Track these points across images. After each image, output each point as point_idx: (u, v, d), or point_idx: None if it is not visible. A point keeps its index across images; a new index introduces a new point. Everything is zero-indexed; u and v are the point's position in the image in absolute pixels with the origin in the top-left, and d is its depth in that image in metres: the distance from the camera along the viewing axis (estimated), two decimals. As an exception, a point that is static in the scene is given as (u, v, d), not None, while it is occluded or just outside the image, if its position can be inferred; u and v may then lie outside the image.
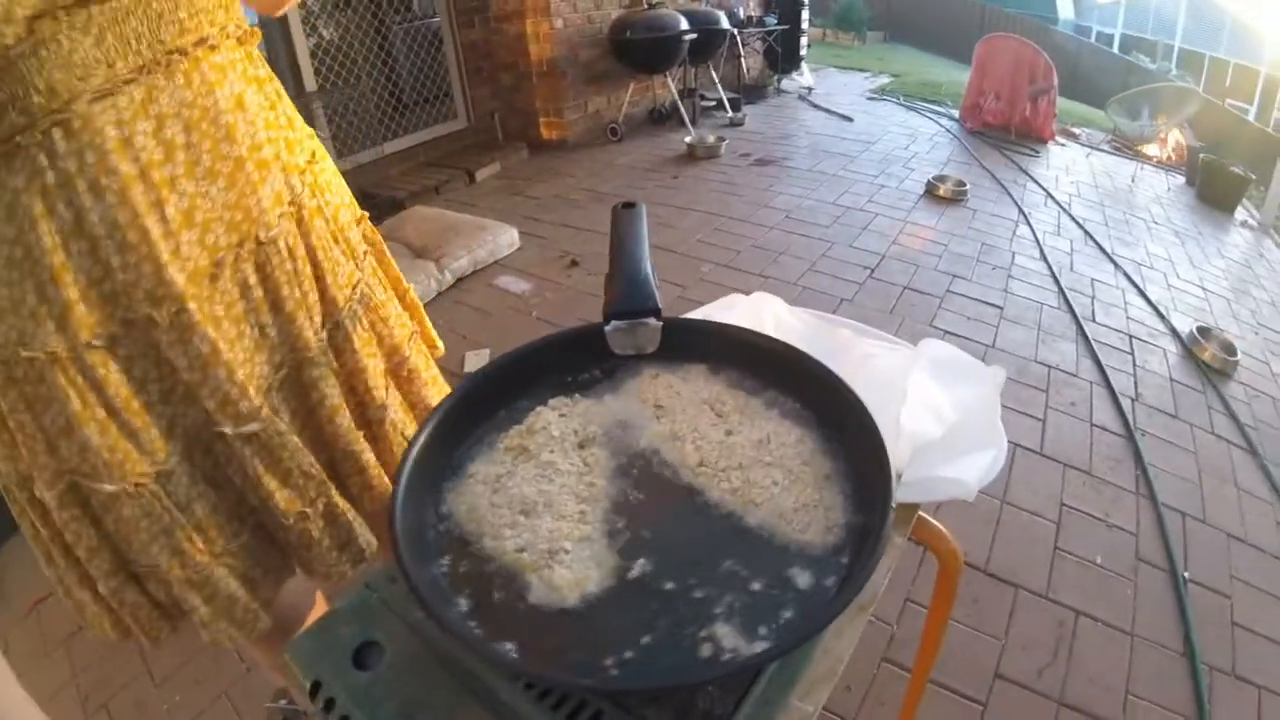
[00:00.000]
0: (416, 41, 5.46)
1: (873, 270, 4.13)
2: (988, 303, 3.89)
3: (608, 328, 0.84)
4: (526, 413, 0.87)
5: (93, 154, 0.69)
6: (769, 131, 6.67)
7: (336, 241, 0.95)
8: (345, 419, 0.95)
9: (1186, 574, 2.34)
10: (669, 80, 6.34)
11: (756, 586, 0.68)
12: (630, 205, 0.92)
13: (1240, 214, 5.90)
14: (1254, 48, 11.09)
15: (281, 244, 0.85)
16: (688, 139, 5.95)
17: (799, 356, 0.89)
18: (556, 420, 0.85)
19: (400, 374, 1.07)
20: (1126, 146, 7.01)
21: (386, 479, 1.02)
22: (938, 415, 1.08)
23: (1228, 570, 2.42)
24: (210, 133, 0.78)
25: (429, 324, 1.20)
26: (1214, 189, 5.93)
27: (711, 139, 5.93)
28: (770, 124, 6.92)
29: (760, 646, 0.62)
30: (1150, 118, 6.95)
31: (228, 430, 0.82)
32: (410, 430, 1.06)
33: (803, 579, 0.68)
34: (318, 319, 0.91)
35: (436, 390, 1.14)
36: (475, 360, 3.21)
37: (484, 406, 0.86)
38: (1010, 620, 2.09)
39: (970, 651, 1.97)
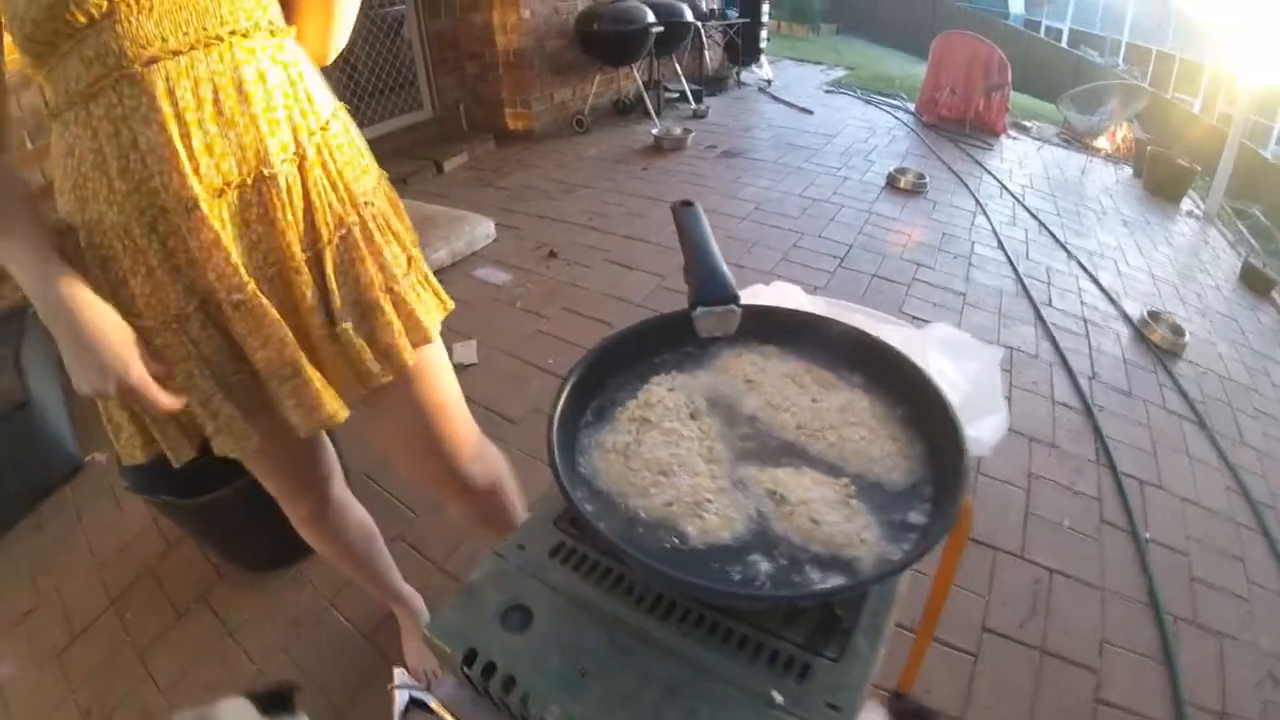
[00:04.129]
0: (378, 29, 5.45)
1: (842, 260, 4.28)
2: (951, 289, 4.06)
3: (696, 314, 0.94)
4: (622, 391, 1.01)
5: (145, 98, 0.97)
6: (732, 124, 6.79)
7: (335, 189, 1.17)
8: (318, 319, 1.18)
9: (1147, 535, 2.52)
10: (634, 72, 6.42)
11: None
12: (689, 204, 1.05)
13: (1186, 204, 6.16)
14: (1199, 43, 11.45)
15: (281, 180, 1.09)
16: (654, 130, 6.03)
17: (860, 335, 1.06)
18: (667, 395, 0.99)
19: (364, 308, 1.26)
20: (1076, 139, 7.25)
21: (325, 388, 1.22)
22: (953, 385, 1.27)
23: (1184, 531, 2.61)
24: (233, 95, 1.03)
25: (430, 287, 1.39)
26: (1161, 180, 6.17)
27: (678, 131, 6.02)
28: (733, 116, 7.05)
29: (879, 567, 0.78)
30: (1101, 112, 7.18)
31: (223, 297, 1.08)
32: (361, 351, 1.24)
33: (899, 513, 0.85)
34: (305, 241, 1.15)
35: (427, 314, 1.33)
36: (462, 351, 3.26)
37: (592, 386, 1.00)
38: (991, 579, 2.25)
39: (958, 608, 2.12)
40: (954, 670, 1.97)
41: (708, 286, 0.95)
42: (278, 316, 1.13)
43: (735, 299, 0.95)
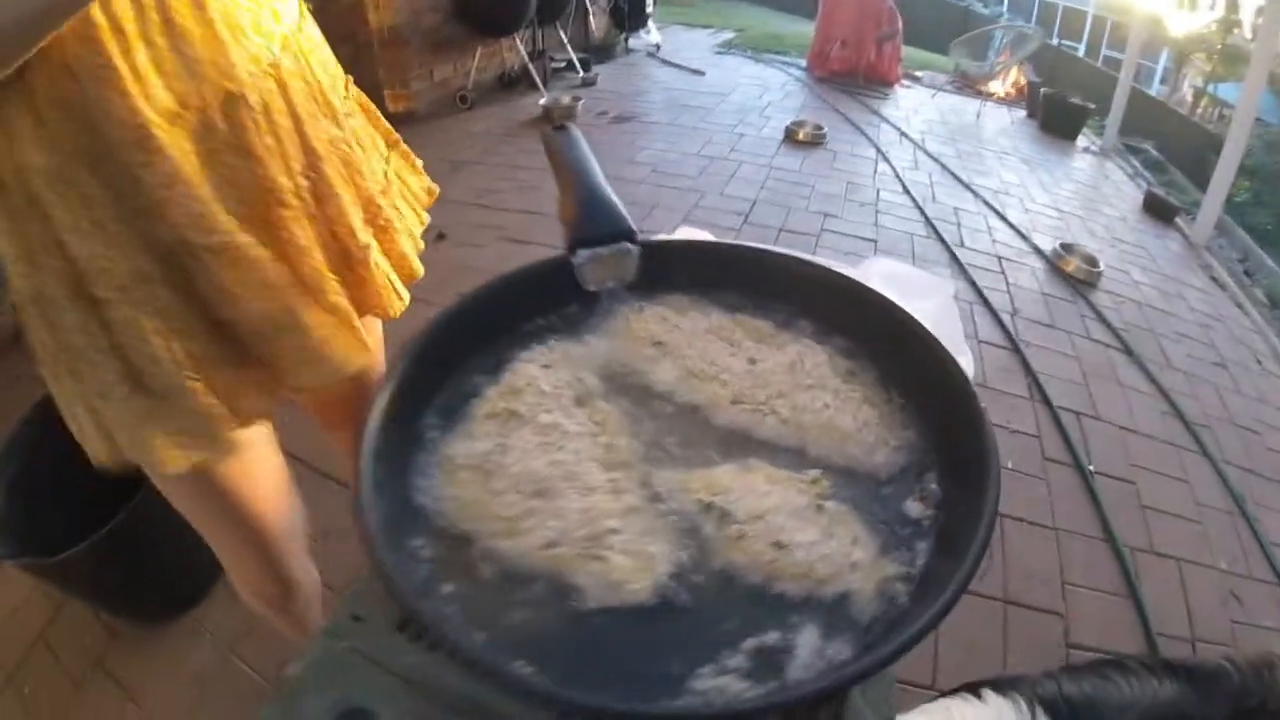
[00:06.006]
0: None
1: (746, 216, 4.12)
2: (861, 237, 3.95)
3: (576, 259, 0.74)
4: (481, 375, 0.72)
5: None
6: (623, 89, 6.58)
7: (316, 102, 0.98)
8: (316, 259, 0.97)
9: (1091, 467, 2.44)
10: (517, 43, 6.14)
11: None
12: (562, 128, 0.85)
13: (1081, 141, 6.25)
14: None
15: (253, 98, 0.88)
16: (542, 101, 5.77)
17: (805, 267, 0.80)
18: (541, 374, 0.70)
19: (377, 223, 1.10)
20: (969, 85, 7.26)
21: (357, 318, 1.03)
22: None
23: (1126, 459, 2.54)
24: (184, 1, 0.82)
25: (420, 174, 1.28)
26: (1056, 120, 6.25)
27: (567, 99, 5.76)
28: (623, 82, 6.83)
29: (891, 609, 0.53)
30: (992, 57, 7.19)
31: (197, 240, 0.85)
32: (391, 276, 1.10)
33: (893, 509, 0.61)
34: (296, 166, 0.94)
35: (410, 243, 1.18)
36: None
37: (434, 375, 0.71)
38: (942, 532, 2.11)
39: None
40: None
41: (590, 220, 0.73)
42: (270, 259, 0.91)
43: (629, 234, 0.73)
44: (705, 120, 5.71)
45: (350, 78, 1.14)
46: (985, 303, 3.36)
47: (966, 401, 0.61)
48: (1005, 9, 13.60)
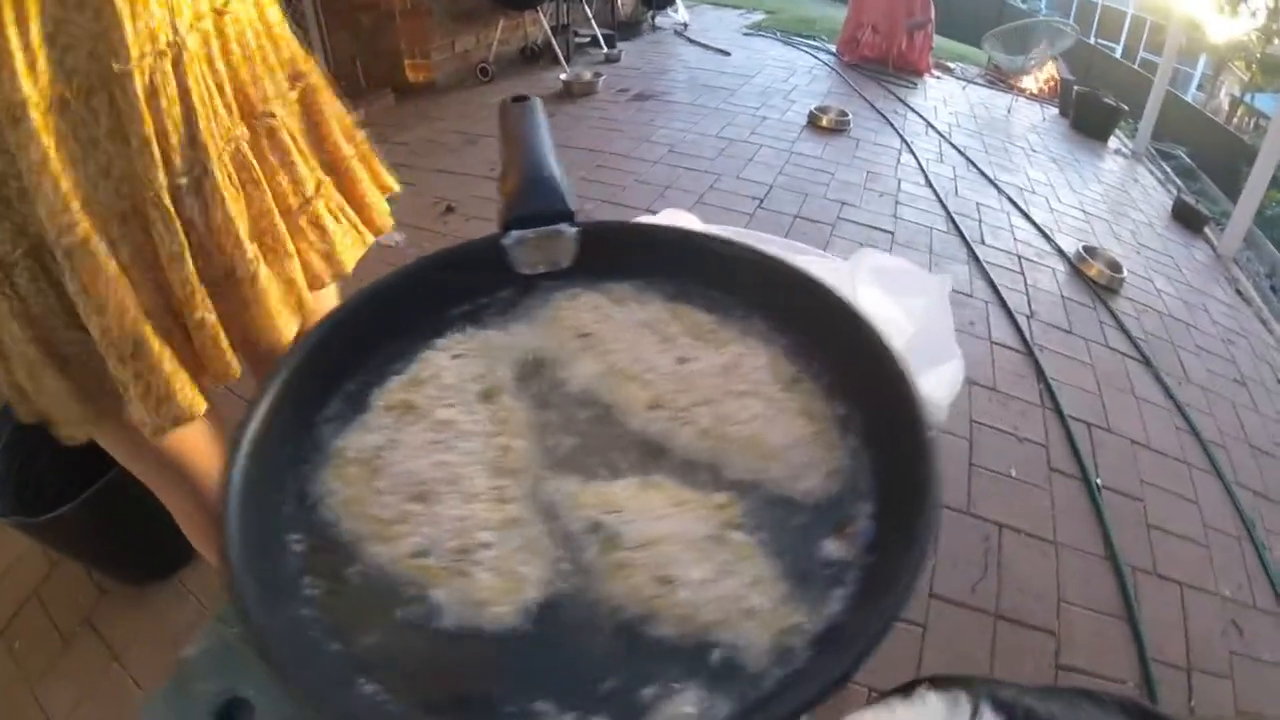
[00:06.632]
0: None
1: (762, 201, 4.02)
2: (879, 228, 3.85)
3: (507, 240, 0.67)
4: (395, 363, 0.65)
5: None
6: (646, 67, 6.49)
7: (221, 93, 0.89)
8: (185, 270, 0.88)
9: (1099, 481, 2.35)
10: (541, 16, 6.06)
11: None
12: (522, 99, 0.78)
13: (1113, 143, 6.14)
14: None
15: (139, 81, 0.80)
16: (563, 76, 5.70)
17: (758, 258, 0.71)
18: (451, 364, 0.64)
19: (264, 240, 0.98)
20: (1001, 79, 7.14)
21: (224, 345, 0.94)
22: (895, 328, 0.94)
23: (1136, 475, 2.45)
24: None
25: (368, 199, 1.18)
26: (1088, 119, 6.13)
27: (588, 75, 5.70)
28: (647, 60, 6.74)
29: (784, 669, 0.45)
30: (1029, 51, 7.05)
31: (54, 237, 0.79)
32: (277, 311, 0.98)
33: (814, 546, 0.51)
34: (178, 162, 0.86)
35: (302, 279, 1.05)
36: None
37: (346, 359, 0.64)
38: (936, 538, 2.03)
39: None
40: (901, 645, 1.75)
41: (526, 199, 0.66)
42: (117, 271, 0.83)
43: (566, 215, 0.67)
44: (728, 101, 5.61)
45: (308, 73, 1.06)
46: (1001, 303, 3.27)
47: (914, 430, 0.52)
48: (1043, 4, 13.39)
